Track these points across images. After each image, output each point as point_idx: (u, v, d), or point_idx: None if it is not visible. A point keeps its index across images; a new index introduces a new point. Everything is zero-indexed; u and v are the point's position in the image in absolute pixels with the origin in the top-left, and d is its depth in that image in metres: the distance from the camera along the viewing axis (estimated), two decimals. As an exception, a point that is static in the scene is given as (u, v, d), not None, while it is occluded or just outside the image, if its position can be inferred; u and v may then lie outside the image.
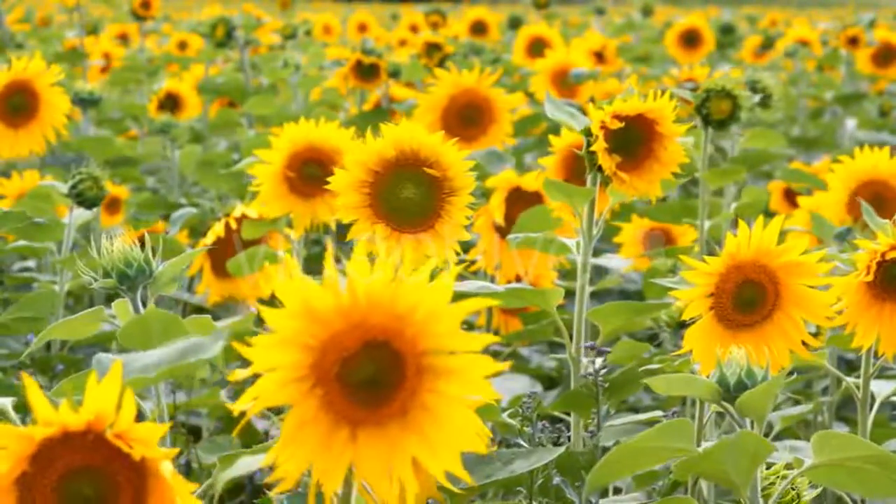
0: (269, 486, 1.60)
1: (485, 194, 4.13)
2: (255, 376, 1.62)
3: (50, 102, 3.88)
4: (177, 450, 1.65)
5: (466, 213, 2.41)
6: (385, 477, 1.63)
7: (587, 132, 2.81)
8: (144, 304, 2.30)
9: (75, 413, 1.59)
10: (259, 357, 1.61)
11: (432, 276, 1.61)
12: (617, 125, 2.79)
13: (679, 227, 4.69)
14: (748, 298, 2.41)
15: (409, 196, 2.40)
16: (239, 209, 3.94)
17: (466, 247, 4.79)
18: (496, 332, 4.33)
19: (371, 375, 1.63)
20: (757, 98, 3.89)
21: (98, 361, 1.85)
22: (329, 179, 2.40)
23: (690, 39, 8.22)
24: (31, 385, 1.57)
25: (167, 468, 1.61)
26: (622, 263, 3.99)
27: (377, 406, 1.63)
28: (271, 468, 1.63)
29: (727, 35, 10.07)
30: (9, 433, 1.59)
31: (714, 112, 3.82)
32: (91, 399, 1.59)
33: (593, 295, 4.43)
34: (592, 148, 2.81)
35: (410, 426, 1.63)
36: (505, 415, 2.46)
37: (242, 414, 1.64)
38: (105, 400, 1.59)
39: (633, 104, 2.80)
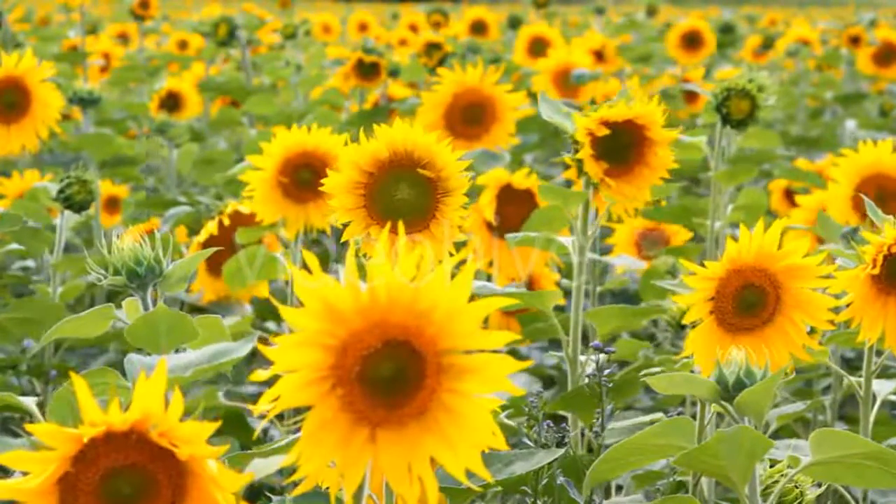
0: (285, 488, 1.58)
1: (476, 192, 4.10)
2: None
3: (42, 99, 3.82)
4: (226, 447, 1.62)
5: (461, 213, 2.40)
6: (404, 476, 1.62)
7: (574, 139, 2.79)
8: (153, 303, 2.28)
9: (122, 413, 1.58)
10: (280, 357, 1.60)
11: (451, 275, 1.59)
12: (604, 132, 2.76)
13: (673, 227, 4.67)
14: (749, 302, 2.40)
15: (403, 197, 2.38)
16: (231, 206, 3.92)
17: (458, 245, 4.76)
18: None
19: (391, 374, 1.62)
20: (772, 99, 3.86)
21: (129, 361, 1.86)
22: (323, 181, 2.38)
23: (692, 41, 8.21)
24: (81, 385, 1.56)
25: (213, 466, 1.60)
26: (635, 264, 3.97)
27: (397, 406, 1.63)
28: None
29: (727, 34, 10.05)
30: (57, 434, 1.57)
31: (734, 111, 3.80)
32: (139, 398, 1.57)
33: (598, 295, 4.42)
34: (578, 156, 2.78)
35: (430, 426, 1.63)
36: (502, 415, 2.45)
37: (239, 414, 1.62)
38: (152, 399, 1.58)
39: (620, 110, 2.77)
